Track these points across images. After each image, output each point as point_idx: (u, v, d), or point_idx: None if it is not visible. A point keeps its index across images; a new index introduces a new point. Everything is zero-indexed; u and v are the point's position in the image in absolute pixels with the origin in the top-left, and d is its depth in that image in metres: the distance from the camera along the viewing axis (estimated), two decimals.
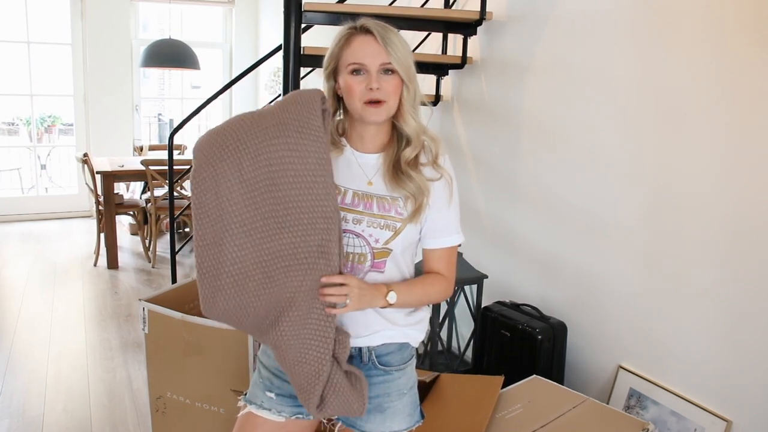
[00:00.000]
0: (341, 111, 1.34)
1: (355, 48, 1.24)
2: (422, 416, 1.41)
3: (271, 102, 4.25)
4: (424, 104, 1.34)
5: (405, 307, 1.31)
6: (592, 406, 1.91)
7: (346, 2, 2.76)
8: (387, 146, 1.32)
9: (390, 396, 1.33)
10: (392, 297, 1.25)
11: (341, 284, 1.19)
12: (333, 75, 1.29)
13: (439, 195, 1.31)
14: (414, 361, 1.41)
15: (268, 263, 1.18)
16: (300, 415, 1.33)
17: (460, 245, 1.38)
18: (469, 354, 2.65)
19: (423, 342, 2.60)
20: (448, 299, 2.58)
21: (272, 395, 1.34)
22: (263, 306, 1.20)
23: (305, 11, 2.51)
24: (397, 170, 1.28)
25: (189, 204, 4.37)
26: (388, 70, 1.24)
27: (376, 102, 1.24)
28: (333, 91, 1.31)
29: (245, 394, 1.40)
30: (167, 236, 5.25)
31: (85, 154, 4.66)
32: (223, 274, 1.17)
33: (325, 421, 1.40)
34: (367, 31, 1.24)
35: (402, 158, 1.28)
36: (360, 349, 1.31)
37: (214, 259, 1.17)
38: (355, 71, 1.24)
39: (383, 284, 1.26)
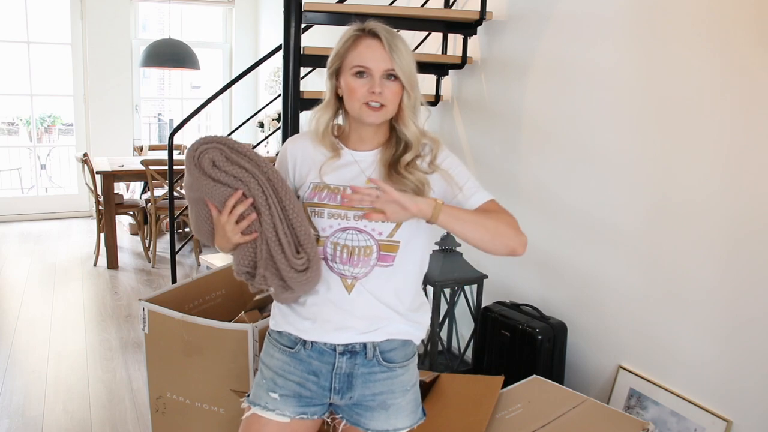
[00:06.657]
0: (342, 111, 1.34)
1: (361, 51, 1.25)
2: (424, 414, 1.42)
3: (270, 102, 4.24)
4: (422, 104, 1.34)
5: (458, 223, 1.23)
6: (592, 406, 1.91)
7: (346, 2, 2.76)
8: (384, 144, 1.34)
9: (394, 393, 1.34)
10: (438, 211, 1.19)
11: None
12: (336, 74, 1.30)
13: (443, 186, 1.31)
14: (416, 358, 1.42)
15: None
16: (304, 415, 1.34)
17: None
18: (469, 354, 2.65)
19: (423, 342, 2.59)
20: (449, 299, 2.58)
21: (276, 396, 1.34)
22: None
23: (305, 11, 2.51)
24: (394, 171, 1.29)
25: (188, 204, 4.37)
26: (391, 76, 1.25)
27: (376, 106, 1.25)
28: (334, 90, 1.31)
29: (248, 396, 1.40)
30: (167, 236, 5.25)
31: (85, 154, 4.66)
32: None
33: (329, 419, 1.41)
34: (374, 35, 1.24)
35: (401, 162, 1.29)
36: (365, 344, 1.32)
37: None
38: (359, 73, 1.25)
39: (433, 199, 1.21)
